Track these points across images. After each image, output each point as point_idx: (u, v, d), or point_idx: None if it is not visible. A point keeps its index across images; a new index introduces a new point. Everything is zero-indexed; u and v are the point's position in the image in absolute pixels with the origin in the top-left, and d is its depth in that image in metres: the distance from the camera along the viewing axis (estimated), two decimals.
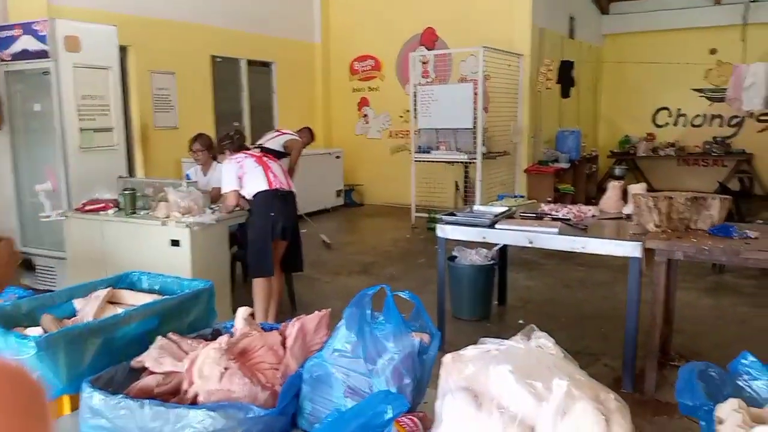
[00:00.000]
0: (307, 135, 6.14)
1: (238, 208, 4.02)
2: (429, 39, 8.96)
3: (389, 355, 1.25)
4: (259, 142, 5.44)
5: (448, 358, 1.14)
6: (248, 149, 4.17)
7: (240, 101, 8.54)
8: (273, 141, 5.42)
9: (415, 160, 7.88)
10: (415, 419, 1.27)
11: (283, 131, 5.68)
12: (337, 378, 1.33)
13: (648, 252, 3.04)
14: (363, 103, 9.77)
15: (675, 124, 10.46)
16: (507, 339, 1.14)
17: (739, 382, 1.10)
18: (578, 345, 3.71)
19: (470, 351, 1.13)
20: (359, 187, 9.78)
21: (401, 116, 9.23)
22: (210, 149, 4.71)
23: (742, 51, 8.92)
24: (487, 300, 4.31)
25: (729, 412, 0.95)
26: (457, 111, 7.40)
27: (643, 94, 10.42)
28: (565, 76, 8.93)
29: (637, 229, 3.24)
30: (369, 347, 1.32)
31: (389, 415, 1.03)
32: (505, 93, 8.01)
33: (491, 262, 4.31)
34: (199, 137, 4.76)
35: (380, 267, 5.69)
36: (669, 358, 3.41)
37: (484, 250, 4.33)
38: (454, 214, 3.79)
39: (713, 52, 9.73)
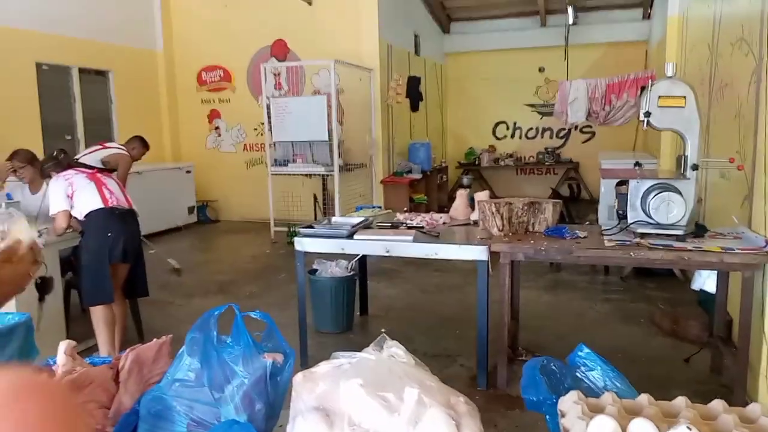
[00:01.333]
0: (138, 146, 5.47)
1: (70, 230, 3.63)
2: (280, 50, 8.86)
3: (239, 380, 1.16)
4: (76, 157, 4.94)
5: (299, 378, 1.07)
6: (78, 166, 3.79)
7: (72, 113, 7.78)
8: (89, 156, 4.94)
9: (272, 174, 7.71)
10: None
11: (107, 145, 5.24)
12: (179, 411, 1.21)
13: (493, 255, 3.22)
14: (214, 115, 9.40)
15: (512, 137, 11.35)
16: (362, 351, 1.10)
17: (578, 374, 1.17)
18: (437, 348, 3.82)
19: (322, 367, 1.08)
20: (214, 203, 9.36)
21: (255, 129, 9.01)
22: (33, 163, 4.21)
23: (565, 69, 9.92)
24: (349, 311, 4.30)
25: (570, 405, 0.99)
26: (312, 123, 7.38)
27: (483, 108, 11.19)
28: (414, 91, 9.32)
29: (484, 234, 3.42)
30: (215, 374, 1.21)
31: None
32: (358, 106, 8.16)
33: (351, 273, 4.31)
34: (16, 154, 4.23)
35: (239, 286, 5.45)
36: (517, 353, 3.63)
37: (344, 261, 4.33)
38: (312, 227, 3.74)
39: (542, 70, 10.73)
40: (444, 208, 8.68)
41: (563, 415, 0.97)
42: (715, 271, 3.37)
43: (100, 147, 5.15)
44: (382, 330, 4.20)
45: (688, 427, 0.87)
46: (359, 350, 3.75)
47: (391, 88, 8.50)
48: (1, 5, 6.59)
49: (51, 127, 7.34)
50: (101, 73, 8.24)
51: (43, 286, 1.60)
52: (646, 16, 9.78)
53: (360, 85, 8.07)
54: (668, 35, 6.62)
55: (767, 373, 2.79)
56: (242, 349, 1.20)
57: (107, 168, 4.74)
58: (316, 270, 4.32)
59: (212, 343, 1.20)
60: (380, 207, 6.05)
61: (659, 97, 3.09)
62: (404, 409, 0.92)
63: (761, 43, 3.40)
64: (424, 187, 9.06)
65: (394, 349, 1.03)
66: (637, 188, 3.20)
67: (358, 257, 4.36)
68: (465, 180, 10.20)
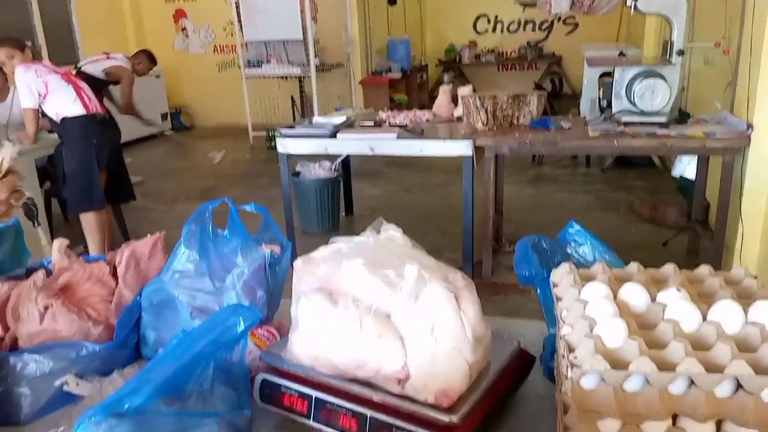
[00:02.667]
0: (145, 61, 5.05)
1: (41, 132, 3.52)
2: None
3: (239, 269, 1.17)
4: (78, 65, 4.67)
5: (298, 263, 1.09)
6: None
7: (30, 17, 7.30)
8: (93, 65, 4.56)
9: (246, 77, 7.46)
10: (271, 329, 1.23)
11: (111, 55, 4.75)
12: (181, 300, 1.23)
13: (477, 151, 3.22)
14: (179, 14, 8.90)
15: (494, 31, 10.99)
16: (359, 235, 1.11)
17: (568, 250, 1.20)
18: (423, 244, 3.83)
19: (321, 252, 1.09)
20: (187, 109, 9.09)
21: (225, 29, 8.59)
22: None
23: None
24: (334, 212, 4.34)
25: (562, 275, 1.02)
26: (285, 21, 7.05)
27: (463, 1, 10.74)
28: None
29: (468, 129, 3.40)
30: (214, 264, 1.22)
31: (241, 327, 0.97)
32: (333, 2, 7.77)
33: (335, 174, 4.30)
34: None
35: (221, 191, 5.43)
36: (501, 245, 3.73)
37: (327, 162, 4.30)
38: (294, 127, 3.68)
39: None
40: (423, 107, 8.56)
41: (555, 285, 1.00)
42: (696, 157, 3.42)
43: (105, 56, 4.75)
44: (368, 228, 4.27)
45: (677, 289, 0.90)
46: None
47: None
48: None
49: (8, 33, 6.89)
50: None
51: (31, 211, 1.54)
52: None
53: None
54: None
55: (742, 251, 2.91)
56: (240, 241, 1.20)
57: (109, 81, 4.52)
58: (299, 172, 4.29)
59: (209, 235, 1.20)
60: (360, 107, 5.95)
61: None
62: (405, 284, 0.94)
63: None
64: (405, 87, 8.87)
65: (391, 232, 1.04)
66: (622, 76, 3.17)
67: (342, 158, 4.33)
68: (446, 78, 9.95)
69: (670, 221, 3.92)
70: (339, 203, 4.39)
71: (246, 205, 1.29)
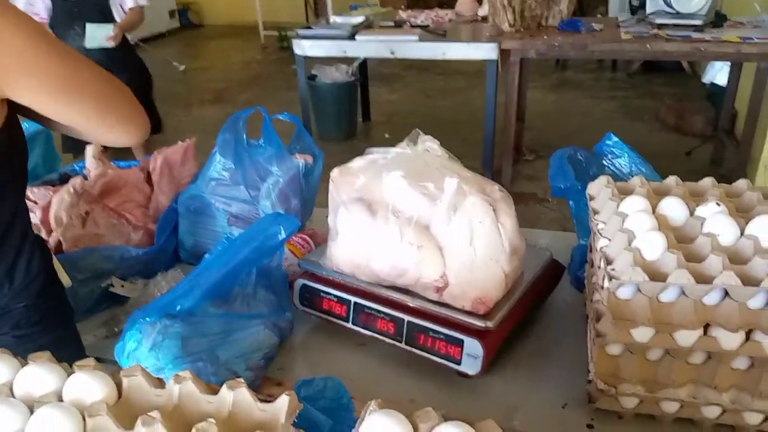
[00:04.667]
0: None
1: None
2: None
3: (273, 178, 1.19)
4: None
5: (335, 173, 1.09)
6: None
7: None
8: None
9: None
10: (305, 237, 1.26)
11: None
12: (217, 207, 1.26)
13: (503, 54, 3.11)
14: None
15: None
16: (396, 146, 1.11)
17: (604, 162, 1.19)
18: None
19: (357, 162, 1.09)
20: (195, 6, 8.75)
21: None
22: None
23: None
24: (352, 118, 4.28)
25: (599, 188, 1.02)
26: None
27: None
28: None
29: (493, 30, 3.26)
30: (249, 173, 1.24)
31: (282, 235, 0.99)
32: None
33: (353, 77, 4.20)
34: None
35: (234, 93, 5.35)
36: (521, 153, 3.70)
37: (344, 66, 4.19)
38: (311, 28, 3.55)
39: None
40: (443, 5, 8.16)
41: (592, 198, 1.01)
42: (729, 64, 3.29)
43: None
44: (386, 135, 4.24)
45: (716, 203, 0.90)
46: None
47: None
48: None
49: None
50: None
51: None
52: None
53: None
54: None
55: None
56: (274, 150, 1.20)
57: None
58: (316, 76, 4.19)
59: (243, 144, 1.20)
60: (376, 4, 5.69)
61: None
62: (444, 197, 0.95)
63: None
64: None
65: (429, 144, 1.03)
66: None
67: (359, 61, 4.21)
68: None
69: (696, 130, 3.83)
70: (356, 108, 4.32)
71: (280, 114, 1.28)
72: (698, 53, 2.85)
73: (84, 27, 3.00)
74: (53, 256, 0.93)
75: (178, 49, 7.52)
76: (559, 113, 4.54)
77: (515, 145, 3.45)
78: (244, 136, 1.23)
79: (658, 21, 2.98)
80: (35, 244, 0.87)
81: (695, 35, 2.86)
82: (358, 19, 3.63)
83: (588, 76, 5.34)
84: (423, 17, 3.68)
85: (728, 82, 3.29)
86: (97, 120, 0.81)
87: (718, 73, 3.59)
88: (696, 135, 3.77)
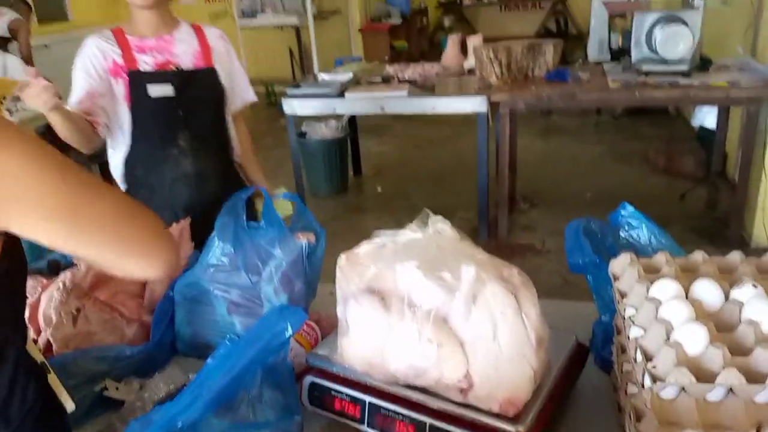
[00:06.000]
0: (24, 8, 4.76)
1: None
2: None
3: (276, 261, 1.13)
4: None
5: (342, 260, 1.03)
6: None
7: None
8: None
9: (241, 27, 7.20)
10: (312, 324, 1.19)
11: None
12: (216, 295, 1.19)
13: (492, 106, 3.11)
14: None
15: None
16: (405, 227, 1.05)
17: (621, 233, 1.14)
18: (435, 202, 3.85)
19: (365, 248, 1.04)
20: None
21: None
22: None
23: None
24: (343, 173, 4.26)
25: (623, 267, 0.97)
26: None
27: None
28: None
29: (481, 83, 3.28)
30: (250, 257, 1.18)
31: (289, 332, 0.93)
32: None
33: (343, 133, 4.20)
34: None
35: None
36: (515, 203, 3.67)
37: (333, 121, 4.19)
38: (299, 85, 3.56)
39: None
40: (425, 55, 8.32)
41: (617, 278, 0.95)
42: (717, 107, 3.32)
43: None
44: (378, 188, 4.21)
45: (753, 285, 0.85)
46: (358, 212, 3.73)
47: None
48: None
49: None
50: None
51: None
52: None
53: None
54: None
55: (766, 206, 2.86)
56: (276, 232, 1.15)
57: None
58: (305, 133, 4.18)
59: (243, 227, 1.14)
60: (361, 58, 5.76)
61: None
62: (462, 287, 0.89)
63: None
64: (405, 33, 8.59)
65: (440, 225, 0.98)
66: (641, 22, 3.03)
67: (348, 115, 4.22)
68: (447, 21, 9.68)
69: (687, 172, 3.84)
70: (347, 163, 4.30)
71: (279, 194, 1.24)
72: (687, 99, 2.88)
73: (192, 138, 1.66)
74: (49, 374, 0.83)
75: None
76: (548, 159, 4.55)
77: (509, 194, 3.43)
78: (244, 219, 1.18)
79: (645, 68, 3.01)
80: (30, 372, 0.77)
81: (683, 81, 2.89)
82: (347, 75, 3.64)
83: (574, 121, 5.40)
84: (410, 72, 3.70)
85: (717, 125, 3.31)
86: (112, 255, 0.73)
87: (706, 116, 3.62)
88: (687, 177, 3.78)
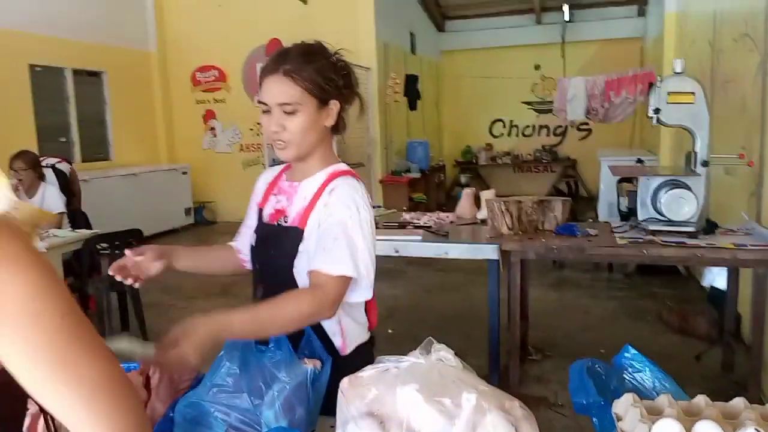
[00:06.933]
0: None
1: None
2: (275, 50, 8.80)
3: (280, 385, 1.13)
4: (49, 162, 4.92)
5: (345, 383, 1.04)
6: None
7: (66, 114, 7.70)
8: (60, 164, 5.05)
9: None
10: None
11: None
12: (216, 417, 1.18)
13: (503, 255, 3.20)
14: (209, 115, 9.33)
15: (509, 135, 11.36)
16: (408, 354, 1.07)
17: (625, 375, 1.14)
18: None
19: (368, 372, 1.05)
20: (210, 204, 9.29)
21: (252, 129, 8.95)
22: (36, 168, 4.16)
23: (562, 66, 9.94)
24: None
25: (626, 408, 0.97)
26: None
27: (479, 107, 11.19)
28: (411, 89, 9.29)
29: (492, 233, 3.40)
30: (254, 379, 1.18)
31: None
32: (356, 105, 8.11)
33: None
34: (22, 155, 4.18)
35: (241, 287, 5.38)
36: (527, 352, 3.62)
37: None
38: None
39: (537, 67, 10.74)
40: (443, 207, 8.68)
41: (620, 419, 0.94)
42: (726, 268, 3.37)
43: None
44: (390, 330, 4.19)
45: (756, 429, 0.85)
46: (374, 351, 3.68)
47: (389, 87, 8.48)
48: None
49: (45, 128, 7.25)
50: (95, 74, 8.15)
51: None
52: (641, 13, 9.82)
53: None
54: (666, 32, 6.63)
55: None
56: (283, 355, 1.17)
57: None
58: None
59: (251, 348, 1.17)
60: (380, 206, 6.03)
61: (669, 93, 3.08)
62: (463, 414, 0.89)
63: (766, 38, 3.40)
64: (423, 186, 9.05)
65: (443, 353, 1.00)
66: (646, 185, 3.19)
67: None
68: (463, 179, 10.22)
69: (701, 332, 3.80)
70: None
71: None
72: (695, 259, 2.93)
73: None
74: None
75: (190, 243, 7.79)
76: (560, 312, 4.54)
77: (521, 343, 3.39)
78: (253, 341, 1.20)
79: (652, 227, 3.12)
80: None
81: (690, 241, 2.97)
82: None
83: (586, 276, 5.46)
84: (425, 219, 3.87)
85: (728, 286, 3.34)
86: (75, 418, 0.65)
87: (716, 277, 3.66)
88: (701, 338, 3.73)
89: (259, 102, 1.41)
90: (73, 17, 7.53)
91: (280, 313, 1.23)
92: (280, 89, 1.36)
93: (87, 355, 0.65)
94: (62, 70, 7.56)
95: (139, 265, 1.43)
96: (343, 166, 1.50)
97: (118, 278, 1.40)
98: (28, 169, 4.10)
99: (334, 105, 1.43)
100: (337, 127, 1.48)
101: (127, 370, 1.39)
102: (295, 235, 1.41)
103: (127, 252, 1.43)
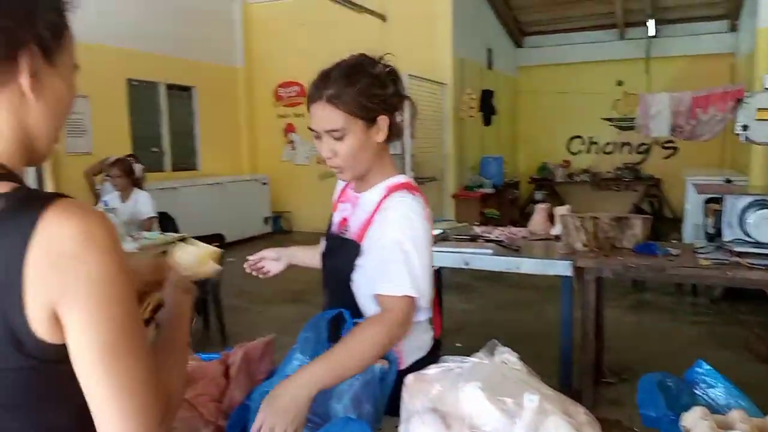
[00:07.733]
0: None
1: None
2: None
3: (350, 380, 1.18)
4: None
5: (410, 379, 1.08)
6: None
7: (159, 126, 8.24)
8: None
9: None
10: None
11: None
12: None
13: (577, 272, 3.13)
14: (289, 129, 9.68)
15: (588, 152, 11.03)
16: (472, 355, 1.10)
17: (696, 391, 1.12)
18: None
19: (433, 370, 1.09)
20: (287, 214, 9.61)
21: None
22: (130, 175, 4.49)
23: (646, 82, 9.59)
24: None
25: (696, 421, 0.95)
26: None
27: (557, 123, 10.95)
28: (487, 105, 9.26)
29: (566, 249, 3.33)
30: None
31: None
32: (430, 120, 8.18)
33: None
34: (119, 162, 4.53)
35: (312, 294, 5.55)
36: (602, 375, 3.50)
37: None
38: None
39: (620, 83, 10.40)
40: (516, 224, 8.54)
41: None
42: None
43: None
44: (458, 344, 4.17)
45: None
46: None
47: (464, 103, 8.49)
48: (95, 25, 7.07)
49: (140, 139, 7.79)
50: (186, 89, 8.67)
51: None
52: (733, 28, 9.33)
53: (432, 98, 8.11)
54: (759, 47, 6.29)
55: None
56: None
57: None
58: None
59: (324, 344, 1.23)
60: (452, 219, 6.03)
61: (758, 109, 2.94)
62: (524, 415, 0.91)
63: None
64: (496, 202, 8.95)
65: (507, 356, 1.02)
66: (733, 204, 3.04)
67: (434, 270, 4.34)
68: (538, 195, 10.02)
69: None
70: None
71: (360, 319, 1.32)
72: None
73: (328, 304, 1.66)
74: None
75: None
76: (638, 335, 4.36)
77: (595, 365, 3.29)
78: (326, 335, 1.26)
79: (737, 249, 2.96)
80: None
81: None
82: (436, 231, 3.83)
83: (668, 299, 5.21)
84: (497, 233, 3.84)
85: None
86: (107, 404, 0.71)
87: None
88: None
89: (309, 128, 1.44)
90: (168, 35, 8.06)
91: (357, 350, 1.20)
92: (325, 116, 1.37)
93: (132, 346, 0.73)
94: (156, 84, 8.10)
95: (270, 262, 1.78)
96: (401, 179, 1.49)
97: (250, 271, 1.80)
98: (122, 176, 4.43)
99: (383, 120, 1.40)
100: (391, 137, 1.46)
101: (208, 359, 1.50)
102: (354, 249, 1.43)
103: (264, 252, 1.79)
